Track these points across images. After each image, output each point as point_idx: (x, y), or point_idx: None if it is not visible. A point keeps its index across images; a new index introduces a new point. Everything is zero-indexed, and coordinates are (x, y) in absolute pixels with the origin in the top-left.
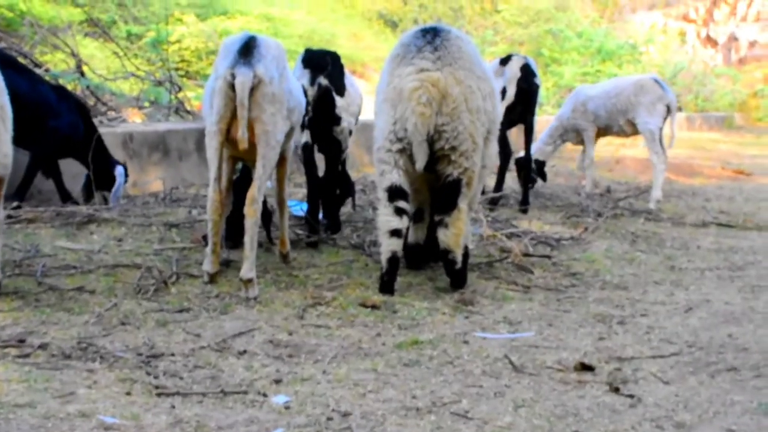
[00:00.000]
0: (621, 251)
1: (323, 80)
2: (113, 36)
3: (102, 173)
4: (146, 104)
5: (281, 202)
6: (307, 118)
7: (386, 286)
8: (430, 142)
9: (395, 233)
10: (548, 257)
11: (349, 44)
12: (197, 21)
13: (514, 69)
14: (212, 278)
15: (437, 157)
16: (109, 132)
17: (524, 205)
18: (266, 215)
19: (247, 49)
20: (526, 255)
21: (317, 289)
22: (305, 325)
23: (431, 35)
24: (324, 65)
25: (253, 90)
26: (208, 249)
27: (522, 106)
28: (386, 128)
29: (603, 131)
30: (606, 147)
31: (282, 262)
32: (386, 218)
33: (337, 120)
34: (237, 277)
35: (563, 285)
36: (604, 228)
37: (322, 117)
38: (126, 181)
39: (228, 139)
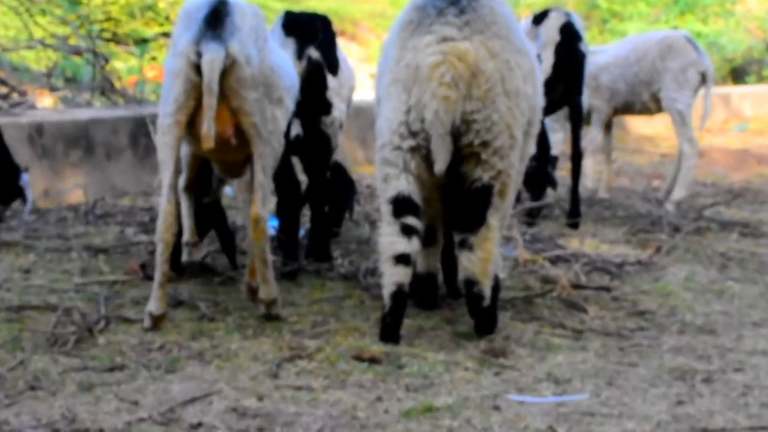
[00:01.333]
0: (706, 280)
1: (314, 53)
2: None
3: (2, 181)
4: (60, 82)
5: (256, 218)
6: None
7: (389, 331)
8: (455, 135)
9: (402, 259)
10: (607, 289)
11: None
12: None
13: (551, 30)
14: (156, 323)
15: (463, 156)
16: (9, 123)
17: (574, 216)
18: (227, 234)
19: (216, 18)
20: (577, 287)
21: (296, 337)
22: (280, 387)
23: None
24: (313, 33)
25: (226, 73)
26: (155, 282)
27: (564, 81)
28: (395, 119)
29: (620, 110)
30: None
31: (248, 299)
32: (390, 239)
33: (328, 107)
34: (187, 320)
35: (628, 328)
36: (683, 248)
37: (310, 103)
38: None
39: (192, 134)
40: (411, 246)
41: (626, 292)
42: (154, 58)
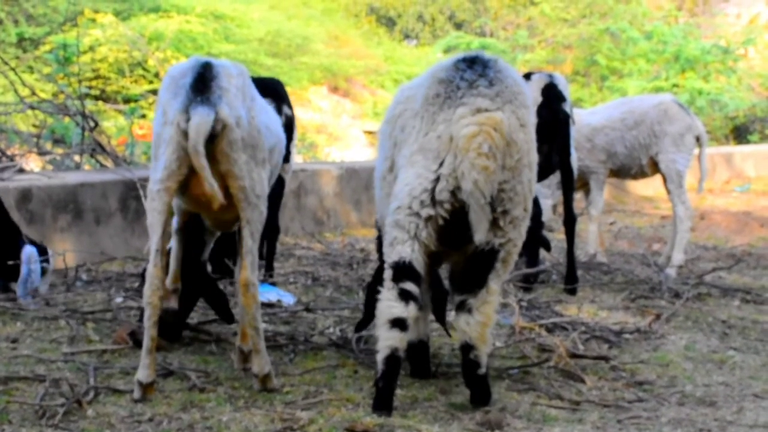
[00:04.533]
0: (707, 349)
1: (288, 110)
2: None
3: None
4: (49, 145)
5: (246, 283)
6: None
7: (382, 399)
8: (492, 204)
9: (397, 324)
10: (605, 359)
11: (328, 50)
12: (117, 22)
13: (533, 92)
14: (146, 392)
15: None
16: None
17: (571, 282)
18: (216, 293)
19: (203, 83)
20: (575, 356)
21: (288, 408)
22: None
23: (480, 66)
24: (283, 93)
25: (216, 138)
26: (144, 348)
27: (547, 144)
28: (418, 186)
29: (615, 173)
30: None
31: (240, 366)
32: (387, 303)
33: (289, 156)
34: (177, 391)
35: (626, 399)
36: (683, 315)
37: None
38: (46, 270)
39: (188, 194)
40: (408, 311)
41: (625, 362)
42: (143, 116)
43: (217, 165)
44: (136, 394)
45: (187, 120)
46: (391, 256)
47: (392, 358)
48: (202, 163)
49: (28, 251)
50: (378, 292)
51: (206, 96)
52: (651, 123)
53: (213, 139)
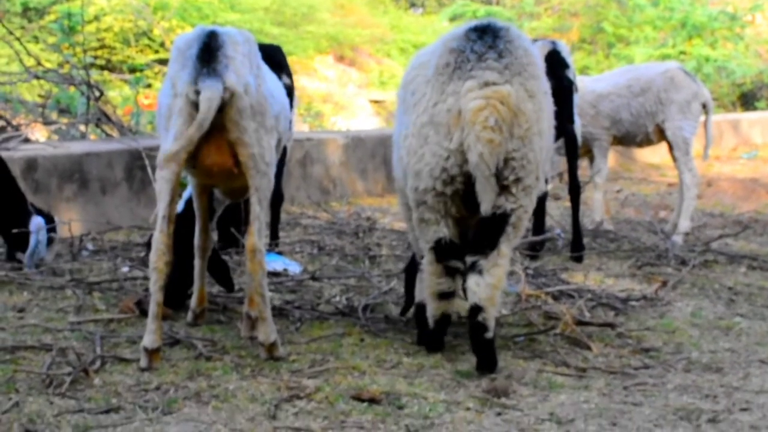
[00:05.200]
0: (713, 316)
1: (286, 79)
2: (2, 13)
3: (10, 222)
4: (54, 115)
5: (253, 249)
6: None
7: (436, 344)
8: (497, 174)
9: (446, 296)
10: (611, 326)
11: (334, 19)
12: None
13: None
14: (152, 358)
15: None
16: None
17: (577, 250)
18: (217, 261)
19: (209, 53)
20: (581, 323)
21: (295, 377)
22: (278, 428)
23: (491, 36)
24: (283, 61)
25: (225, 106)
26: (150, 315)
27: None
28: (437, 165)
29: (619, 140)
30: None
31: (247, 332)
32: (434, 279)
33: (290, 123)
34: (184, 359)
35: (632, 366)
36: (689, 282)
37: None
38: (53, 239)
39: (198, 165)
40: (455, 284)
41: (631, 329)
42: (149, 86)
43: (226, 133)
44: (143, 362)
45: (196, 92)
46: (427, 235)
47: (443, 320)
48: (194, 134)
49: (37, 221)
50: (416, 272)
51: (213, 66)
52: (657, 90)
53: (222, 108)
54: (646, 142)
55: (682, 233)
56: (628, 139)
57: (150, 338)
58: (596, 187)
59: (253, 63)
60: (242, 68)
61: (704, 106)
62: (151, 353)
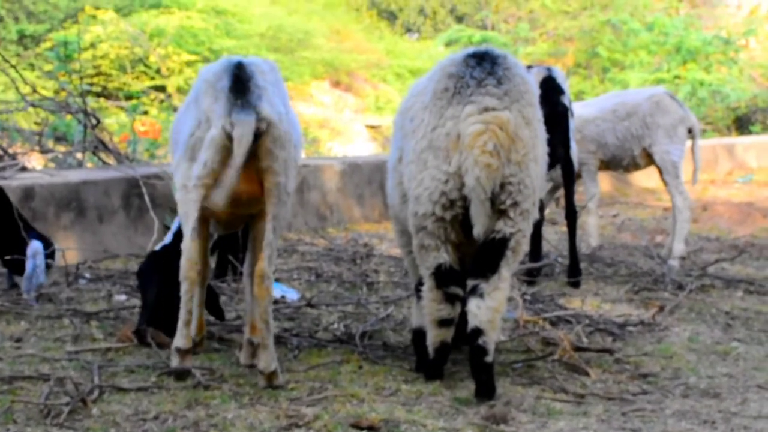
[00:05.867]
0: (710, 341)
1: None
2: None
3: (8, 247)
4: (51, 143)
5: (262, 275)
6: None
7: (435, 372)
8: (492, 198)
9: (446, 323)
10: (609, 351)
11: (330, 45)
12: (118, 18)
13: None
14: (184, 358)
15: (491, 215)
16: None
17: (575, 275)
18: (209, 292)
19: (241, 84)
20: (579, 349)
21: (293, 405)
22: None
23: (489, 63)
24: None
25: (261, 135)
26: (180, 321)
27: (549, 137)
28: (435, 188)
29: (606, 164)
30: (687, 186)
31: (247, 360)
32: (434, 305)
33: None
34: (182, 389)
35: (630, 392)
36: (686, 307)
37: None
38: (50, 265)
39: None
40: (454, 311)
41: (629, 354)
42: (145, 113)
43: (258, 162)
44: (174, 362)
45: (232, 124)
46: (427, 262)
47: (442, 347)
48: (235, 174)
49: (35, 246)
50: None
51: (246, 98)
52: (643, 115)
53: (257, 138)
54: (633, 166)
55: (677, 257)
56: (614, 163)
57: (182, 341)
58: (589, 212)
59: (281, 91)
60: (274, 97)
61: (690, 130)
62: (183, 353)
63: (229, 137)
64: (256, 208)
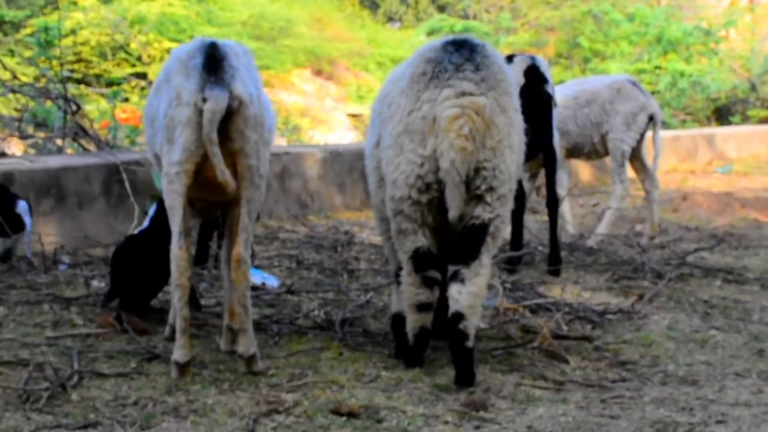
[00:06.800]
0: (689, 329)
1: None
2: None
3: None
4: (31, 129)
5: (239, 260)
6: None
7: (415, 359)
8: (467, 182)
9: (424, 308)
10: (588, 339)
11: (311, 33)
12: (98, 5)
13: (516, 74)
14: (183, 371)
15: (468, 198)
16: None
17: (555, 264)
18: None
19: (214, 63)
20: (559, 337)
21: (273, 391)
22: None
23: (468, 50)
24: None
25: (232, 115)
26: (178, 330)
27: (530, 125)
28: (411, 173)
29: (570, 152)
30: (668, 176)
31: (227, 345)
32: (413, 290)
33: None
34: (163, 374)
35: (609, 379)
36: (665, 295)
37: None
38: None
39: (198, 179)
40: (433, 295)
41: (608, 342)
42: (126, 100)
43: (229, 143)
44: (174, 374)
45: (204, 100)
46: (405, 246)
47: (422, 333)
48: (215, 150)
49: (23, 205)
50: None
51: (219, 76)
52: (603, 102)
53: (228, 117)
54: (594, 154)
55: (599, 234)
56: (576, 150)
57: (180, 352)
58: (560, 198)
59: (253, 74)
60: (246, 78)
61: (651, 118)
62: (183, 366)
63: (201, 114)
64: (230, 195)
